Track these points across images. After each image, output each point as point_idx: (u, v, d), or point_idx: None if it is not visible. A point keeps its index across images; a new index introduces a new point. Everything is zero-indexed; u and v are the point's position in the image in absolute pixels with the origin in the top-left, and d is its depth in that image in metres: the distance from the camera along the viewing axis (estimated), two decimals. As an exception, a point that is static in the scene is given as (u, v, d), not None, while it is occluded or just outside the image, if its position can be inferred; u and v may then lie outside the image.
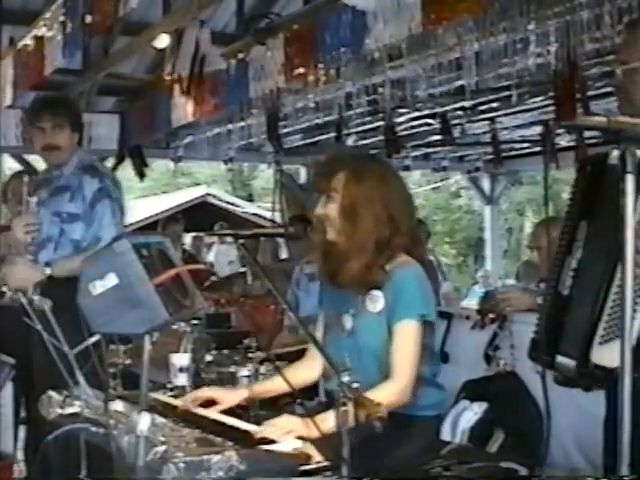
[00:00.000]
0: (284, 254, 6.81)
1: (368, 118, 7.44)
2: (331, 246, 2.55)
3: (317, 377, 2.74)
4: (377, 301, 2.51)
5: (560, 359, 1.87)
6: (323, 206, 2.56)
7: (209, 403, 2.64)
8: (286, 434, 2.25)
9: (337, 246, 2.53)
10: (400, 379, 2.42)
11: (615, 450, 1.63)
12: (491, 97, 6.76)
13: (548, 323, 1.91)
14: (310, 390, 2.90)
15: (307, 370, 2.74)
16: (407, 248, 2.55)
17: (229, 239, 10.22)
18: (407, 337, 2.45)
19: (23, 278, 3.32)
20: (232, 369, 3.40)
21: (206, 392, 2.72)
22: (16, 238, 3.45)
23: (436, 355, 2.79)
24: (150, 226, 11.95)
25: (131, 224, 6.36)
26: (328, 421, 2.14)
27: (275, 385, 2.71)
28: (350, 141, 8.06)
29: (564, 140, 6.66)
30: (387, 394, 2.34)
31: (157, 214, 14.36)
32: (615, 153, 1.81)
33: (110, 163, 8.22)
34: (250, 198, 22.95)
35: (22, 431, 4.05)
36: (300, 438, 2.23)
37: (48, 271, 3.47)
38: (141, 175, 8.16)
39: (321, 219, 2.55)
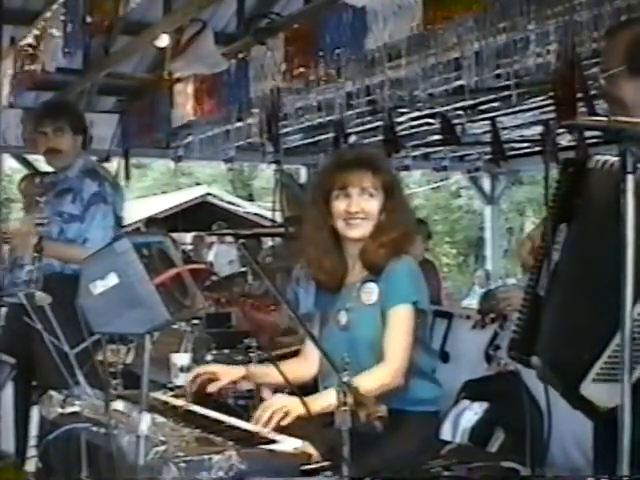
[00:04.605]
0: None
1: (368, 118, 7.45)
2: (358, 242, 2.58)
3: (313, 375, 2.74)
4: (371, 293, 2.55)
5: (535, 360, 1.87)
6: (359, 201, 2.54)
7: (210, 381, 2.65)
8: (284, 414, 2.27)
9: (368, 241, 2.56)
10: (392, 362, 2.43)
11: (607, 447, 1.63)
12: (491, 97, 6.76)
13: (527, 323, 1.92)
14: (310, 389, 2.90)
15: (302, 367, 2.73)
16: None
17: (229, 239, 10.23)
18: (399, 321, 2.47)
19: (23, 236, 3.44)
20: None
21: (208, 368, 2.74)
22: (22, 234, 3.48)
23: (432, 349, 2.81)
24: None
25: (129, 224, 6.36)
26: (321, 400, 2.21)
27: (272, 372, 2.66)
28: (350, 141, 8.06)
29: (564, 140, 6.66)
30: (379, 376, 2.37)
31: (157, 214, 14.39)
32: (596, 157, 1.83)
33: (109, 163, 8.24)
34: (250, 198, 22.94)
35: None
36: (298, 418, 2.25)
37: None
38: (127, 177, 8.15)
39: (356, 214, 2.54)
